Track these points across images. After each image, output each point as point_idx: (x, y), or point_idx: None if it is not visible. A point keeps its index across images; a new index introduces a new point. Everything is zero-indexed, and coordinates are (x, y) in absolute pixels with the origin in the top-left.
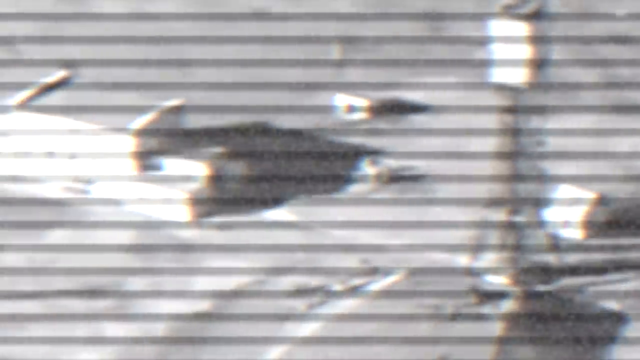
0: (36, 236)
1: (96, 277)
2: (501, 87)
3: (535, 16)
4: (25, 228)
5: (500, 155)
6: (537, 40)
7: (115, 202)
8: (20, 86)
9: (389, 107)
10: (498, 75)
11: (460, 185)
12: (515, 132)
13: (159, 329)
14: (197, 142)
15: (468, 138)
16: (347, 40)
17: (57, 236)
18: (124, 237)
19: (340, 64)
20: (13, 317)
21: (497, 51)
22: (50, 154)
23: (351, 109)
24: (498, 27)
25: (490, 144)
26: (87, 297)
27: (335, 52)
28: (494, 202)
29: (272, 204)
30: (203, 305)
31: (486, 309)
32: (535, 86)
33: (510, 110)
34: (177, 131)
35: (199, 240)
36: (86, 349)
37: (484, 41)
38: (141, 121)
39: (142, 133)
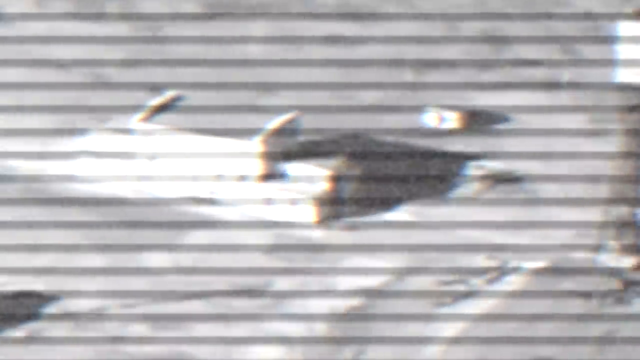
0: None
1: (244, 278)
2: (626, 87)
3: None
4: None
5: (624, 155)
6: None
7: (244, 207)
8: (119, 110)
9: (476, 118)
10: (623, 75)
11: (559, 185)
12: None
13: (317, 327)
14: (315, 153)
15: (553, 143)
16: (418, 63)
17: (196, 239)
18: (260, 238)
19: (414, 86)
20: (178, 317)
21: (624, 52)
22: (176, 168)
23: (442, 120)
24: (626, 29)
25: (575, 144)
26: (243, 296)
27: (409, 75)
28: (614, 201)
29: (389, 206)
30: (351, 303)
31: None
32: None
33: (636, 109)
34: (295, 143)
35: (330, 240)
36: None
37: (542, 63)
38: (261, 134)
39: (264, 144)
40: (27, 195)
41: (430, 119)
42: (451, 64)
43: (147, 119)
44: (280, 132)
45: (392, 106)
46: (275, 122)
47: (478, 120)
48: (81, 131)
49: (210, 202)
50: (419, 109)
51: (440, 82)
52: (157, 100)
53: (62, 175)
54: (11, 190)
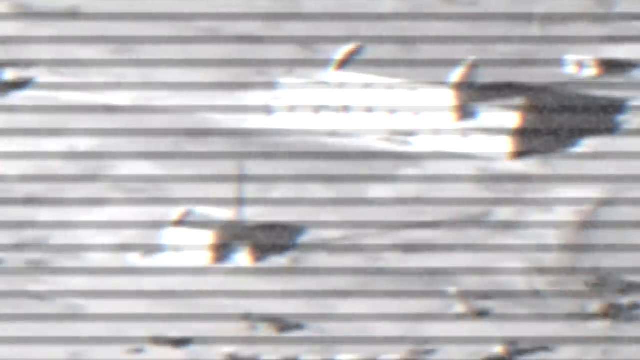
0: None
1: (463, 208)
2: None
3: None
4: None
5: None
6: None
7: (443, 140)
8: None
9: (611, 66)
10: None
11: None
12: None
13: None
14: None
15: None
16: (543, 17)
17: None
18: (465, 170)
19: (540, 40)
20: (425, 246)
21: None
22: (370, 108)
23: (582, 67)
24: None
25: None
26: (471, 226)
27: (535, 29)
28: None
29: (572, 140)
30: (572, 233)
31: None
32: None
33: None
34: (481, 84)
35: (532, 171)
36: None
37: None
38: (455, 74)
39: (457, 85)
40: (231, 149)
41: (571, 67)
42: (570, 18)
43: (338, 70)
44: (466, 78)
45: (522, 59)
46: (458, 72)
47: (613, 68)
48: (274, 85)
49: (407, 143)
50: (549, 61)
51: (562, 36)
52: (342, 52)
53: (262, 130)
54: (213, 143)
